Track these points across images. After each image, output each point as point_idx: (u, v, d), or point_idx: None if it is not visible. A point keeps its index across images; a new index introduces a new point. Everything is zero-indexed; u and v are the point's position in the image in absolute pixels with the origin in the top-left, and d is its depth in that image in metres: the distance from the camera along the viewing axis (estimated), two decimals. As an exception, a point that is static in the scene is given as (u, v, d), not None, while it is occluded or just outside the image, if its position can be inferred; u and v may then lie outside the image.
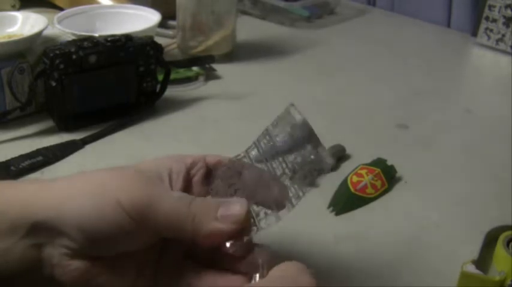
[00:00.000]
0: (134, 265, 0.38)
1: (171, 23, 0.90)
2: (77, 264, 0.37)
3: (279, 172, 0.39)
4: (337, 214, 0.53)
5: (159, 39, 0.73)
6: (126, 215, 0.36)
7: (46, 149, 0.61)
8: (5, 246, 0.36)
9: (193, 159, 0.42)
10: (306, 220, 0.52)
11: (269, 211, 0.38)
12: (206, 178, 0.42)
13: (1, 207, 0.37)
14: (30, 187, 0.38)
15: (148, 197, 0.36)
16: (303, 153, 0.39)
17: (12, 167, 0.58)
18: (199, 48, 0.83)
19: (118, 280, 0.38)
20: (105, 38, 0.65)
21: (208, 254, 0.39)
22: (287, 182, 0.39)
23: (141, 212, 0.36)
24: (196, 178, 0.42)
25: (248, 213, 0.37)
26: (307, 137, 0.39)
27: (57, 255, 0.36)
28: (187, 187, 0.41)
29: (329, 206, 0.54)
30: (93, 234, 0.36)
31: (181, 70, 0.77)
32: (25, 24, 0.74)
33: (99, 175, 0.38)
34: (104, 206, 0.36)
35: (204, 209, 0.37)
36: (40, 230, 0.36)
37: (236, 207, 0.37)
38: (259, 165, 0.41)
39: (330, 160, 0.39)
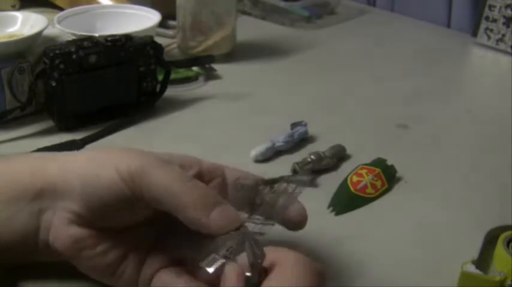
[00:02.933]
0: (125, 247, 0.39)
1: (171, 23, 0.90)
2: (73, 230, 0.38)
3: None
4: (337, 214, 0.53)
5: (159, 39, 0.73)
6: (121, 181, 0.36)
7: (46, 149, 0.61)
8: (9, 214, 0.37)
9: (210, 167, 0.42)
10: (306, 220, 0.52)
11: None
12: (222, 191, 0.42)
13: (12, 175, 0.39)
14: (37, 156, 0.41)
15: (144, 165, 0.37)
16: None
17: (12, 167, 0.58)
18: (199, 48, 0.83)
19: (106, 258, 0.38)
20: (105, 38, 0.65)
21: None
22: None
23: (134, 178, 0.36)
24: (212, 186, 0.41)
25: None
26: None
27: (57, 219, 0.38)
28: None
29: (329, 206, 0.54)
30: (90, 198, 0.37)
31: (181, 70, 0.77)
32: (25, 24, 0.74)
33: (103, 149, 0.41)
34: (102, 171, 0.37)
35: (201, 197, 0.37)
36: (45, 195, 0.37)
37: (231, 215, 0.37)
38: None
39: (307, 177, 0.40)
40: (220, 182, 0.42)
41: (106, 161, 0.38)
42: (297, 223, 0.40)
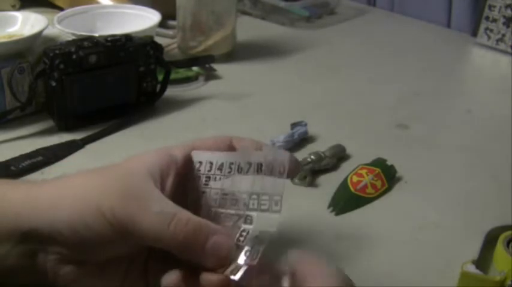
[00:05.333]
0: (123, 267, 0.39)
1: (171, 23, 0.90)
2: (68, 268, 0.37)
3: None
4: (337, 214, 0.53)
5: (159, 39, 0.73)
6: (108, 224, 0.36)
7: (46, 149, 0.61)
8: (1, 253, 0.37)
9: (184, 152, 0.42)
10: (306, 220, 0.52)
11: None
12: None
13: None
14: (20, 193, 0.38)
15: (127, 213, 0.36)
16: None
17: (12, 167, 0.58)
18: (199, 48, 0.83)
19: (108, 282, 0.38)
20: (105, 38, 0.65)
21: None
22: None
23: (122, 226, 0.36)
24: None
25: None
26: None
27: (50, 260, 0.37)
28: (182, 183, 0.41)
29: (329, 206, 0.54)
30: (79, 241, 0.36)
31: (181, 70, 0.77)
32: (25, 24, 0.74)
33: (82, 181, 0.38)
34: (86, 214, 0.36)
35: (192, 236, 0.36)
36: (32, 238, 0.37)
37: (225, 245, 0.36)
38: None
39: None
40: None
41: (87, 201, 0.36)
42: (292, 169, 0.40)
